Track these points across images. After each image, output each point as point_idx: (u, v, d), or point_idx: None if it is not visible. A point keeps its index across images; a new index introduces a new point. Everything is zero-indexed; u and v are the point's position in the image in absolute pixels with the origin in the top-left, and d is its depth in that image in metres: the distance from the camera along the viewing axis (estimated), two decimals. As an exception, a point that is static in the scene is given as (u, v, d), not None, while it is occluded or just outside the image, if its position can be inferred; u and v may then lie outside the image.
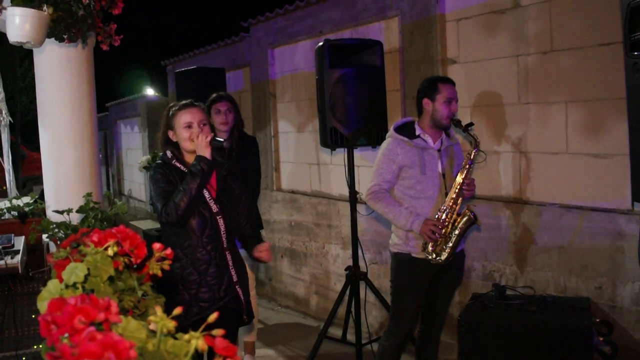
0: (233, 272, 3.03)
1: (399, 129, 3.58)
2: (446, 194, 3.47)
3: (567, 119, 3.73)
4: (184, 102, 3.05)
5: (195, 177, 2.85)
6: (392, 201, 3.52)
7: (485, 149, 4.11)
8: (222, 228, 2.99)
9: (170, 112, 3.03)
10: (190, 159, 3.01)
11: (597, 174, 3.61)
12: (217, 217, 2.98)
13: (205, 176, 2.89)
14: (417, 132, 3.53)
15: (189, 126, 2.96)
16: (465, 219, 3.43)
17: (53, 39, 3.74)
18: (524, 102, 3.95)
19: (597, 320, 3.43)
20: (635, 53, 2.78)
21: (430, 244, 3.45)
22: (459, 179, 3.43)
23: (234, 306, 3.02)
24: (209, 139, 2.92)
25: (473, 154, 3.43)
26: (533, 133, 3.92)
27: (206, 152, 2.90)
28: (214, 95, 4.39)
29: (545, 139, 3.86)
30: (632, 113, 2.91)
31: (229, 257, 3.02)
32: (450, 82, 3.53)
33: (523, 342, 3.32)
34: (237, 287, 3.03)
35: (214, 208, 2.97)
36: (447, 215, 3.43)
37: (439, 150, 3.52)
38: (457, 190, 3.43)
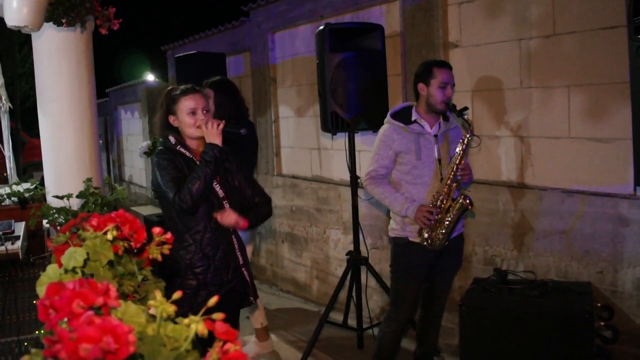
0: (239, 255, 3.06)
1: (396, 115, 3.57)
2: (442, 180, 3.46)
3: (570, 103, 3.71)
4: (185, 87, 3.01)
5: (209, 164, 2.83)
6: (388, 187, 3.52)
7: (487, 134, 4.10)
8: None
9: (171, 97, 2.99)
10: (192, 144, 3.00)
11: (600, 158, 3.59)
12: (224, 202, 2.98)
13: (219, 163, 2.88)
14: (414, 117, 3.52)
15: (193, 112, 2.93)
16: (458, 205, 3.42)
17: (51, 23, 3.72)
18: (526, 86, 3.92)
19: (599, 305, 3.42)
20: (639, 36, 2.76)
21: (425, 230, 3.44)
22: (453, 164, 3.41)
23: (241, 288, 3.06)
24: (221, 127, 2.90)
25: (467, 138, 3.41)
26: (535, 117, 3.90)
27: (218, 140, 2.88)
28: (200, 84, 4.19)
29: (547, 124, 3.84)
30: (635, 97, 2.89)
31: (235, 240, 3.05)
32: (446, 66, 3.50)
33: (524, 326, 3.32)
34: (243, 269, 3.08)
35: (220, 193, 2.98)
36: (441, 201, 3.42)
37: (435, 136, 3.50)
38: (451, 176, 3.41)
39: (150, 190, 3.03)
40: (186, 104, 2.94)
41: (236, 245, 3.05)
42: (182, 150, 2.96)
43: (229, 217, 2.96)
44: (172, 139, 2.99)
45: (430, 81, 3.45)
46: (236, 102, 4.33)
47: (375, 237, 5.09)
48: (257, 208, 3.15)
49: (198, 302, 2.86)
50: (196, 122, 2.92)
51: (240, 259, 3.06)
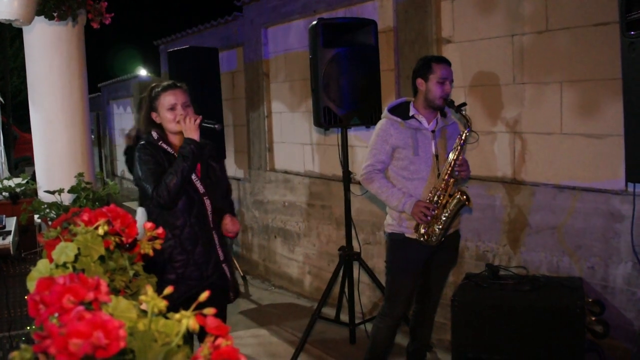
0: (220, 251, 3.07)
1: (393, 110, 3.56)
2: (439, 175, 3.46)
3: (562, 99, 3.72)
4: (166, 83, 3.05)
5: (186, 159, 2.86)
6: (385, 182, 3.51)
7: (480, 130, 4.10)
8: (209, 208, 3.02)
9: (153, 94, 3.03)
10: (174, 140, 3.02)
11: (591, 154, 3.60)
12: (204, 198, 3.01)
13: (196, 158, 2.91)
14: (412, 112, 3.51)
15: (173, 108, 2.97)
16: (455, 200, 3.42)
17: (43, 17, 3.69)
18: (518, 82, 3.93)
19: (590, 300, 3.44)
20: (632, 33, 2.77)
21: (422, 226, 3.44)
22: (451, 160, 3.41)
23: (221, 284, 3.07)
24: (198, 121, 2.92)
25: (465, 134, 3.40)
26: (528, 113, 3.90)
27: (195, 135, 2.91)
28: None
29: (539, 120, 3.84)
30: (627, 93, 2.90)
31: (215, 236, 3.06)
32: (445, 61, 3.50)
33: (516, 321, 3.33)
34: (223, 265, 3.09)
35: (201, 189, 3.00)
36: (438, 197, 3.42)
37: (433, 131, 3.50)
38: (449, 171, 3.41)
39: (135, 186, 3.06)
40: (166, 100, 2.97)
41: (217, 241, 3.07)
42: (164, 145, 2.99)
43: (235, 225, 3.10)
44: (154, 134, 3.02)
45: (428, 76, 3.45)
46: None
47: (367, 232, 5.10)
48: (231, 204, 3.26)
49: (177, 297, 2.87)
50: (175, 118, 2.95)
51: (221, 255, 3.08)
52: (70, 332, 0.79)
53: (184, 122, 2.92)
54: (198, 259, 2.98)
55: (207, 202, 3.01)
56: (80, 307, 0.87)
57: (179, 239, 2.95)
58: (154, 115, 3.02)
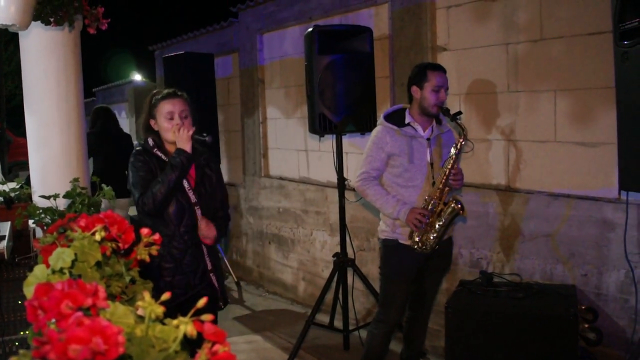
0: (208, 261, 3.07)
1: (389, 117, 3.57)
2: (434, 183, 3.47)
3: (556, 108, 3.74)
4: (166, 91, 3.05)
5: (175, 170, 2.87)
6: (380, 189, 3.52)
7: (474, 137, 4.11)
8: (200, 218, 3.01)
9: (153, 101, 3.03)
10: (170, 148, 3.02)
11: (585, 162, 3.62)
12: (195, 208, 3.00)
13: (185, 169, 2.91)
14: (407, 120, 3.52)
15: (171, 117, 2.97)
16: (449, 209, 3.43)
17: (39, 22, 3.69)
18: (513, 90, 3.95)
19: (583, 307, 3.45)
20: (625, 42, 2.79)
21: (416, 233, 3.45)
22: (446, 168, 3.42)
23: (208, 293, 3.04)
24: (190, 133, 2.92)
25: (460, 143, 3.41)
26: (522, 121, 3.93)
27: (187, 146, 2.91)
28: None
29: (533, 128, 3.86)
30: (620, 102, 2.92)
31: (204, 246, 3.06)
32: (440, 69, 3.51)
33: (509, 328, 3.34)
34: (211, 274, 3.08)
35: (192, 198, 3.00)
36: (433, 205, 3.43)
37: (428, 139, 3.51)
38: (443, 180, 3.42)
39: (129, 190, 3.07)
40: (164, 108, 2.98)
41: (205, 251, 3.06)
42: (159, 153, 3.00)
43: (210, 229, 3.01)
44: (150, 141, 3.03)
45: (424, 84, 3.46)
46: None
47: (361, 239, 5.10)
48: (219, 224, 3.15)
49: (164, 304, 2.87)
50: (172, 127, 2.96)
51: (209, 264, 3.07)
52: (70, 338, 0.79)
53: (177, 133, 2.92)
54: (186, 267, 2.98)
55: (198, 211, 3.01)
56: (79, 313, 0.88)
57: (168, 247, 2.95)
58: (152, 122, 3.03)
